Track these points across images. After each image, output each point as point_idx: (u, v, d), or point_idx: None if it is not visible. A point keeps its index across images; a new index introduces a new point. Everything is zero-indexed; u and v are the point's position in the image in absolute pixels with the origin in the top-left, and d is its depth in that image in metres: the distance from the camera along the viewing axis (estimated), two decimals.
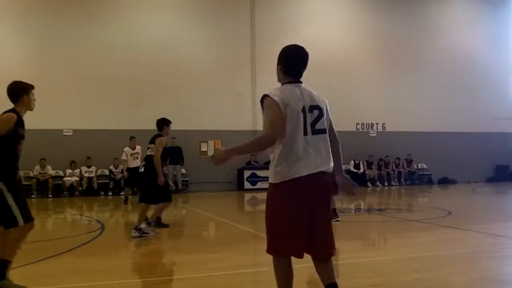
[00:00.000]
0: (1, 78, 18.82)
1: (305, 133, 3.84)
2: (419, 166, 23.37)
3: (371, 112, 22.86)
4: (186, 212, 13.87)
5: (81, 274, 6.04)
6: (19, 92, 5.30)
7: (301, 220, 3.80)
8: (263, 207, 12.44)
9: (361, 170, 22.15)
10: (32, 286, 5.36)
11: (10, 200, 5.02)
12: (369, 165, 22.52)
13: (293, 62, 4.12)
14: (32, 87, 5.40)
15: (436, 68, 23.77)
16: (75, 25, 19.12)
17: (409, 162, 23.07)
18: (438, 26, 24.40)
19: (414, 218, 10.82)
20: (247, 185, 20.24)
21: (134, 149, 14.61)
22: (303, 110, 3.88)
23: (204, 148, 20.21)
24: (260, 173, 20.27)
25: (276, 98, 3.83)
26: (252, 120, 21.20)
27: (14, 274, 5.91)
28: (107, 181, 18.91)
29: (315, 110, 3.94)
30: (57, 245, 7.91)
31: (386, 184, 22.66)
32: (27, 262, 6.46)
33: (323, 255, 3.92)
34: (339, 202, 16.43)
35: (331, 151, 3.99)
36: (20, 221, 5.04)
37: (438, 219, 10.56)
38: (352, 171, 22.08)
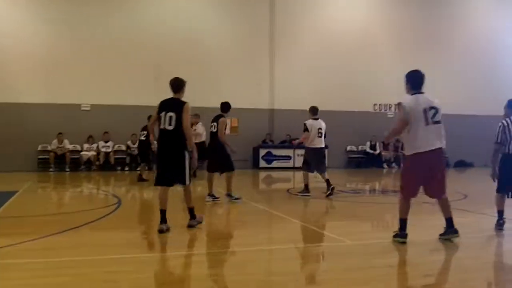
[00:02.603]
0: (24, 56, 18.93)
1: (426, 124, 6.17)
2: None
3: (389, 93, 22.62)
4: (201, 189, 13.95)
5: (98, 247, 6.14)
6: (182, 85, 7.19)
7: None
8: (278, 185, 12.62)
9: (377, 151, 22.06)
10: (51, 257, 5.48)
11: (187, 164, 6.98)
12: (385, 146, 22.40)
13: (414, 80, 6.46)
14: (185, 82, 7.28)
15: (455, 51, 23.44)
16: (96, 3, 19.09)
17: None
18: (460, 9, 23.97)
19: (429, 200, 10.73)
20: (262, 163, 20.28)
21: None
22: (424, 110, 6.19)
23: None
24: (276, 152, 20.30)
25: (405, 104, 6.26)
26: (269, 98, 21.14)
27: (34, 245, 6.06)
28: (124, 156, 19.09)
29: (432, 109, 6.26)
30: (75, 219, 8.03)
31: (402, 165, 22.54)
32: (46, 234, 6.60)
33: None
34: (356, 183, 16.45)
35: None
36: (187, 181, 7.05)
37: (454, 202, 10.44)
38: (368, 152, 22.01)
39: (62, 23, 18.67)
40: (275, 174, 18.74)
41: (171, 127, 6.88)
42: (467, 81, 23.38)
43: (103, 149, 18.81)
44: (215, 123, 10.33)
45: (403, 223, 6.43)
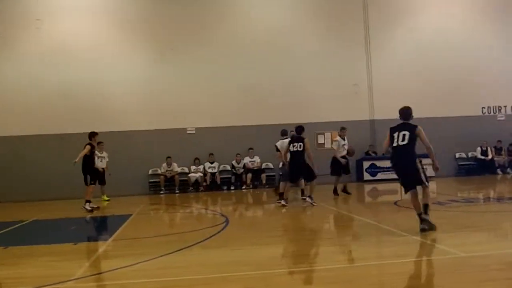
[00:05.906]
0: (129, 86, 20.05)
1: None
2: None
3: (498, 94, 21.41)
4: (305, 204, 13.95)
5: (210, 265, 6.31)
6: (410, 113, 8.22)
7: None
8: (384, 198, 12.21)
9: (489, 157, 20.84)
10: (165, 277, 5.71)
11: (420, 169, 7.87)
12: (498, 151, 21.14)
13: None
14: None
15: None
16: (194, 26, 19.92)
17: None
18: None
19: None
20: (366, 176, 19.89)
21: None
22: None
23: (321, 140, 20.19)
24: (380, 163, 19.80)
25: None
26: (369, 109, 20.79)
27: (148, 265, 6.34)
28: (229, 176, 19.56)
29: None
30: (187, 238, 8.33)
31: None
32: (161, 254, 6.90)
33: None
34: (468, 191, 15.66)
35: None
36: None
37: None
38: (479, 158, 20.87)
39: (164, 54, 19.70)
40: (380, 186, 18.28)
41: (404, 142, 7.95)
42: None
43: (209, 170, 19.40)
44: (300, 143, 12.28)
45: None
